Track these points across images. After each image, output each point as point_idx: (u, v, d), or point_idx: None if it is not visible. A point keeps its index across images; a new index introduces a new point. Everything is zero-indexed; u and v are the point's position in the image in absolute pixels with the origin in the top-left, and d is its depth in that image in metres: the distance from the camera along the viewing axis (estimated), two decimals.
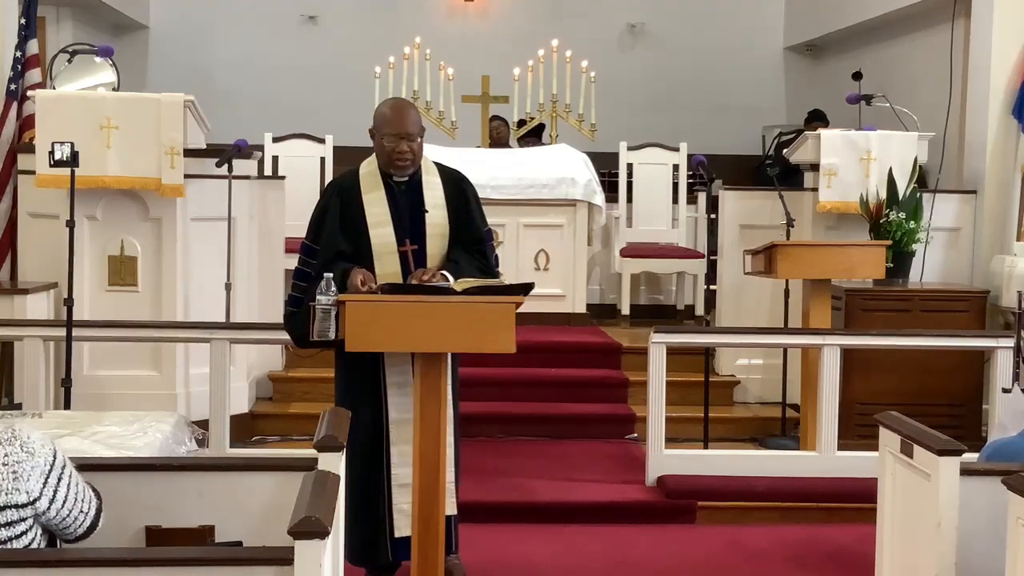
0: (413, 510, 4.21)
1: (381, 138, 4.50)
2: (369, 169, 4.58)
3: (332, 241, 4.44)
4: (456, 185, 4.62)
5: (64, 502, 2.75)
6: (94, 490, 2.94)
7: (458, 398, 4.59)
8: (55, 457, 2.75)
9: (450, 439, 4.31)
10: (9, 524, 2.65)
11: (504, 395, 6.96)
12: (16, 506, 2.65)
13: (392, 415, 4.43)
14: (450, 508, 4.38)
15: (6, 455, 2.66)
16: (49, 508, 2.71)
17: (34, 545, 2.71)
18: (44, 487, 2.70)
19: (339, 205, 4.50)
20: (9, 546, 2.65)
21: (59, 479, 2.74)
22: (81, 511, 2.82)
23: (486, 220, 4.70)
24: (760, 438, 6.85)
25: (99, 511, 2.92)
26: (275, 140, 8.99)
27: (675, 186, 9.13)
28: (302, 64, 11.74)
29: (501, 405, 6.87)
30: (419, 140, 4.52)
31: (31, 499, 2.67)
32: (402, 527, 4.39)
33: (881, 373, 6.46)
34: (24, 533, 2.67)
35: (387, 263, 4.44)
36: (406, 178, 4.54)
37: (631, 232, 9.03)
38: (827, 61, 11.85)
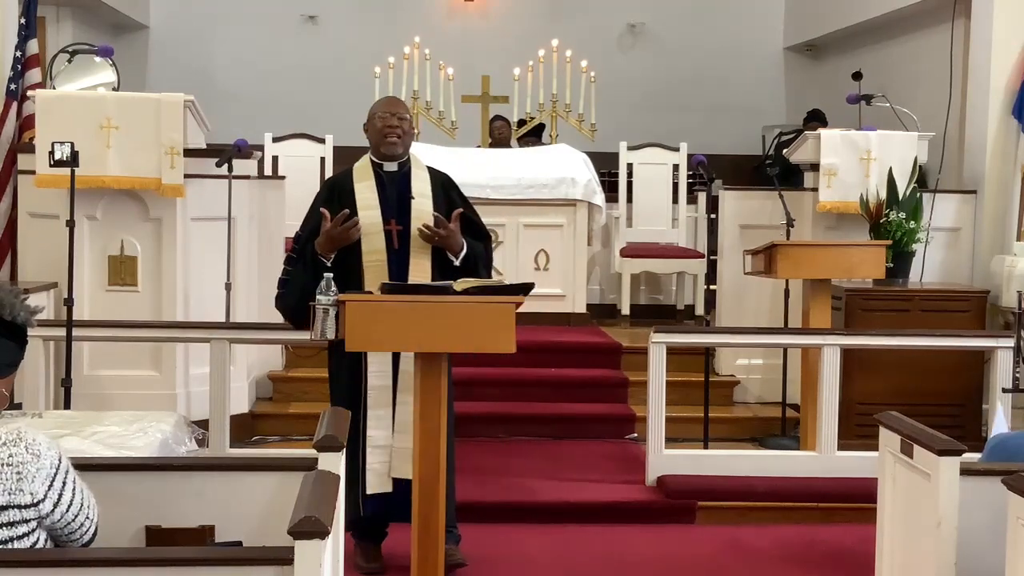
0: (413, 509, 4.22)
1: (373, 121, 4.92)
2: (362, 163, 4.93)
3: (314, 224, 4.76)
4: (443, 186, 4.93)
5: (69, 506, 2.74)
6: None
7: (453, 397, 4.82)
8: (60, 461, 2.74)
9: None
10: (11, 524, 2.64)
11: (504, 395, 6.96)
12: (19, 506, 2.65)
13: (371, 381, 4.69)
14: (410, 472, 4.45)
15: (11, 455, 2.66)
16: (54, 511, 2.70)
17: (37, 547, 2.71)
18: (49, 490, 2.69)
19: (325, 198, 4.86)
20: (11, 547, 2.64)
21: (64, 483, 2.73)
22: (87, 517, 2.81)
23: (479, 217, 4.97)
24: (760, 438, 6.85)
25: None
26: (275, 140, 9.00)
27: (675, 186, 9.13)
28: (302, 64, 11.74)
29: (501, 405, 6.87)
30: (408, 121, 4.93)
31: (35, 500, 2.66)
32: (372, 485, 4.69)
33: (881, 373, 6.45)
34: (26, 535, 2.67)
35: (374, 240, 4.74)
36: (395, 167, 4.87)
37: (631, 232, 9.03)
38: (827, 61, 11.85)
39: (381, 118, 4.86)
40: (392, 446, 4.68)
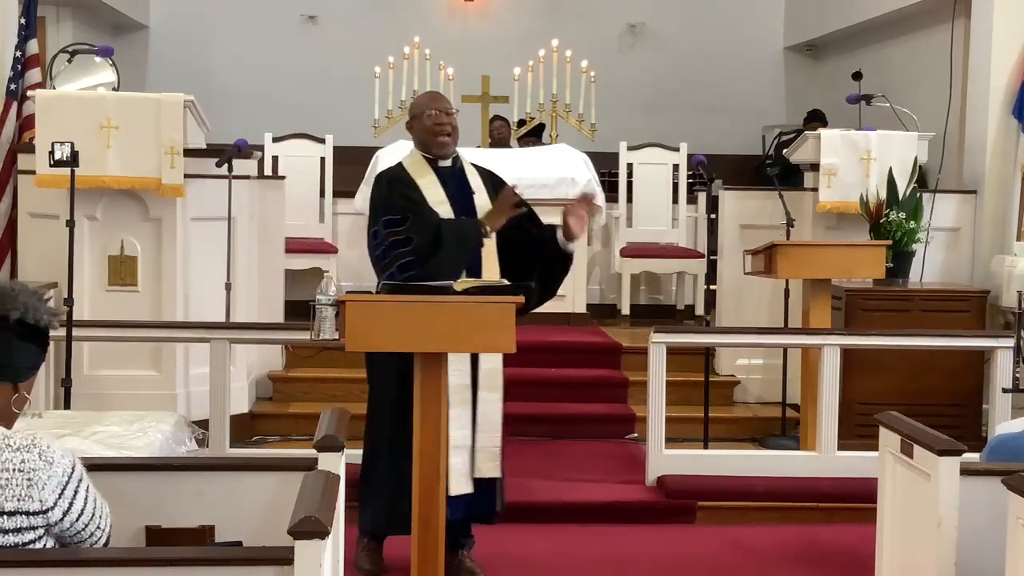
0: (413, 512, 4.21)
1: (422, 118, 4.79)
2: (414, 159, 4.84)
3: (419, 205, 4.64)
4: (492, 183, 4.89)
5: (80, 515, 2.71)
6: None
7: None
8: (74, 469, 2.70)
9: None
10: (18, 530, 2.61)
11: (504, 395, 6.94)
12: (27, 513, 2.62)
13: (451, 380, 4.38)
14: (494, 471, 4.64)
15: (23, 461, 2.63)
16: (63, 519, 2.67)
17: None
18: (59, 498, 2.66)
19: (400, 189, 4.70)
20: None
21: (75, 492, 2.69)
22: (99, 527, 2.78)
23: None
24: (760, 438, 6.85)
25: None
26: (275, 140, 8.99)
27: (675, 186, 9.13)
28: (302, 64, 11.73)
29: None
30: (455, 117, 4.81)
31: (44, 508, 2.63)
32: (457, 486, 4.53)
33: (881, 373, 6.46)
34: (32, 542, 2.64)
35: None
36: (449, 163, 4.81)
37: (631, 232, 9.03)
38: (827, 61, 11.85)
39: (430, 116, 4.77)
40: (475, 446, 4.59)
